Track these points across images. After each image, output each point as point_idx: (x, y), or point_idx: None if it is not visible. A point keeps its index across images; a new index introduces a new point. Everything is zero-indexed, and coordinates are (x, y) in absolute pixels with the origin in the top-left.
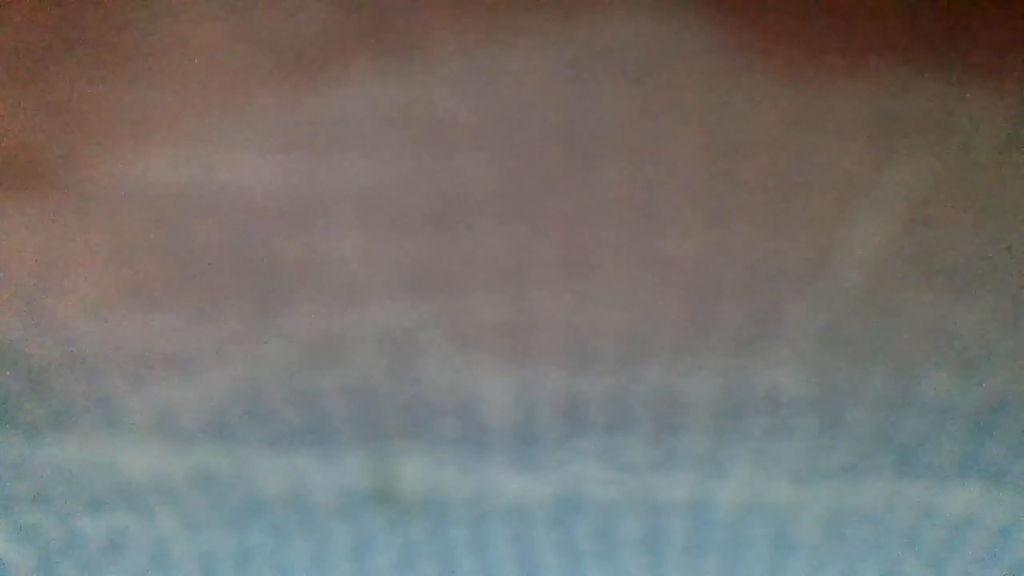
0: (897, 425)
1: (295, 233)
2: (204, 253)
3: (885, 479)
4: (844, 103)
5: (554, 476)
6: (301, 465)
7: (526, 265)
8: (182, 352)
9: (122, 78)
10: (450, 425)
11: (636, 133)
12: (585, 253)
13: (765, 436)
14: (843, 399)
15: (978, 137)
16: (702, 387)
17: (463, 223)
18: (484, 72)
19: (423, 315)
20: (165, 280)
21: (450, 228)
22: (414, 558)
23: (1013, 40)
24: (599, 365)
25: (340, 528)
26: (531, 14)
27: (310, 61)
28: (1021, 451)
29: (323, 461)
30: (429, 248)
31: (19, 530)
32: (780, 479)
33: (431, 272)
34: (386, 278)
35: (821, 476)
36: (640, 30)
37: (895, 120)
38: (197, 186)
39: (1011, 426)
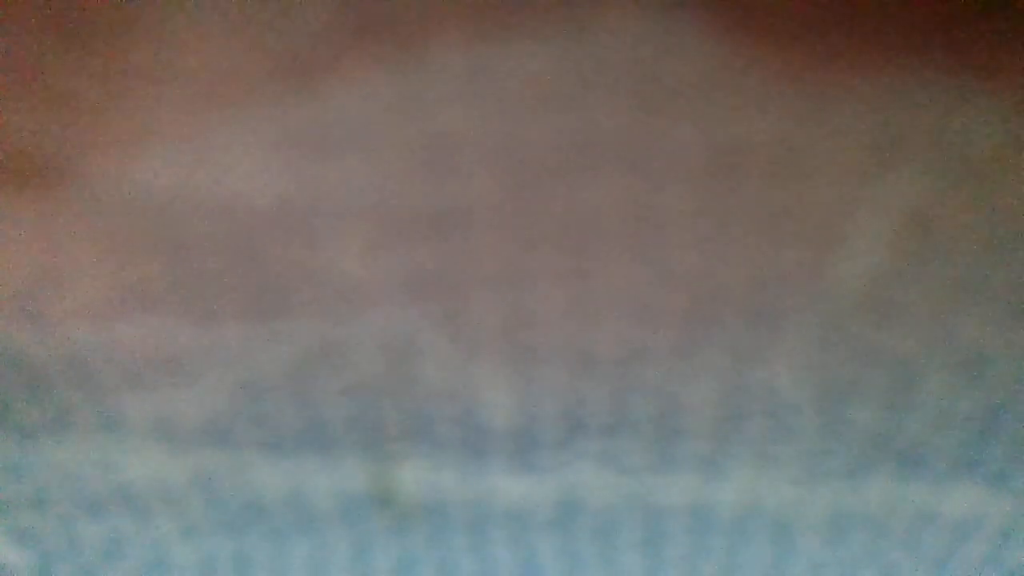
0: (897, 428)
1: (295, 238)
2: (204, 256)
3: (886, 482)
4: (845, 107)
5: (554, 479)
6: (300, 469)
7: (526, 271)
8: (181, 355)
9: (123, 81)
10: (450, 429)
11: (636, 137)
12: (585, 258)
13: (765, 439)
14: (844, 402)
15: (978, 140)
16: (702, 391)
17: (463, 229)
18: (484, 76)
19: (423, 320)
20: (165, 283)
21: (450, 234)
22: (414, 562)
23: (1013, 44)
24: (599, 369)
25: (340, 532)
26: (531, 18)
27: (311, 65)
28: (1022, 454)
29: (323, 465)
30: (429, 254)
31: (18, 533)
32: (780, 482)
33: (431, 278)
34: (386, 282)
35: (822, 479)
36: (640, 35)
37: (895, 123)
38: (197, 189)
39: (1012, 429)
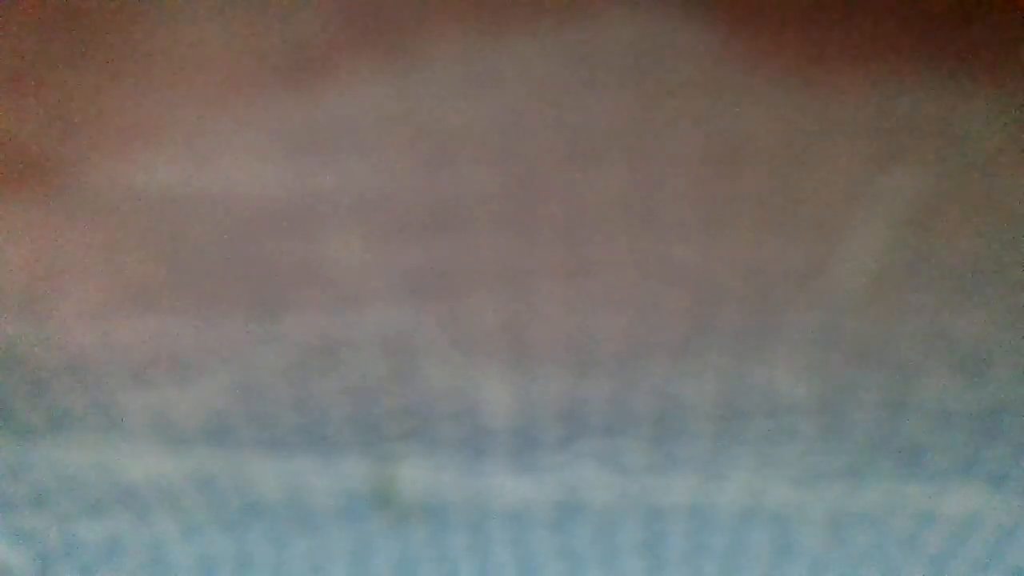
0: (898, 428)
1: (294, 237)
2: (203, 256)
3: (886, 482)
4: (845, 106)
5: (554, 479)
6: (300, 469)
7: (526, 269)
8: (181, 355)
9: (122, 81)
10: (450, 429)
11: (636, 136)
12: (585, 257)
13: (766, 439)
14: (844, 402)
15: (979, 141)
16: (702, 390)
17: (462, 227)
18: (483, 76)
19: (422, 319)
20: (164, 283)
21: (449, 232)
22: (414, 562)
23: (1013, 43)
24: (599, 369)
25: (339, 532)
26: (530, 18)
27: (310, 65)
28: (1022, 454)
29: (322, 465)
30: (428, 252)
31: (18, 534)
32: (781, 482)
33: (430, 276)
34: (385, 282)
35: (822, 479)
36: (640, 34)
37: (896, 123)
38: (196, 189)
39: (1012, 429)
